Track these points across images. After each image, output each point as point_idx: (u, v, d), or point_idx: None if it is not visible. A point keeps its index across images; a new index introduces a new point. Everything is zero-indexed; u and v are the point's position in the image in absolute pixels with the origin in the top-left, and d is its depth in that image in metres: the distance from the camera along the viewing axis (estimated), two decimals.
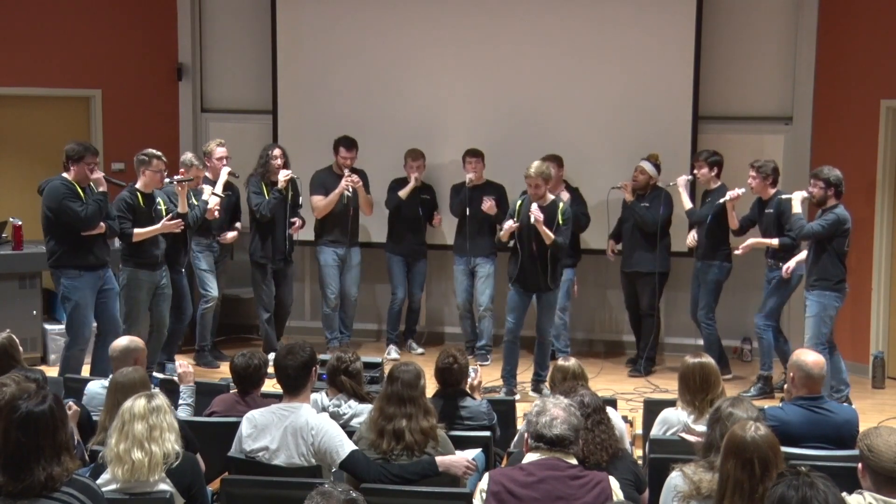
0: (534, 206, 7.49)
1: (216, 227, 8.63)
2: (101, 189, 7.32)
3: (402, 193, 8.98)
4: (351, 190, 8.84)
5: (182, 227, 7.82)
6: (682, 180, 8.44)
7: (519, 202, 7.68)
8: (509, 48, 9.26)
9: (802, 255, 7.74)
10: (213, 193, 8.33)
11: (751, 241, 7.93)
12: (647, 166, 8.58)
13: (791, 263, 7.74)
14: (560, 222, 7.56)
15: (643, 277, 8.59)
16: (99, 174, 7.35)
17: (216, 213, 8.40)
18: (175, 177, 7.99)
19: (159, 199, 7.80)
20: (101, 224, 7.37)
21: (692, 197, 8.50)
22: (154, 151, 7.78)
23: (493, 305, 8.89)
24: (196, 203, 8.17)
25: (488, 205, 8.56)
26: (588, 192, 8.89)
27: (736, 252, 8.07)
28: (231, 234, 8.80)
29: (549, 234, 7.46)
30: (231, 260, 9.01)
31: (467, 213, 8.77)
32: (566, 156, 8.76)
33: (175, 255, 8.06)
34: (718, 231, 8.21)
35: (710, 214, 8.19)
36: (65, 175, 7.28)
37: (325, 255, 8.96)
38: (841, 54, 8.70)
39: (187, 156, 8.40)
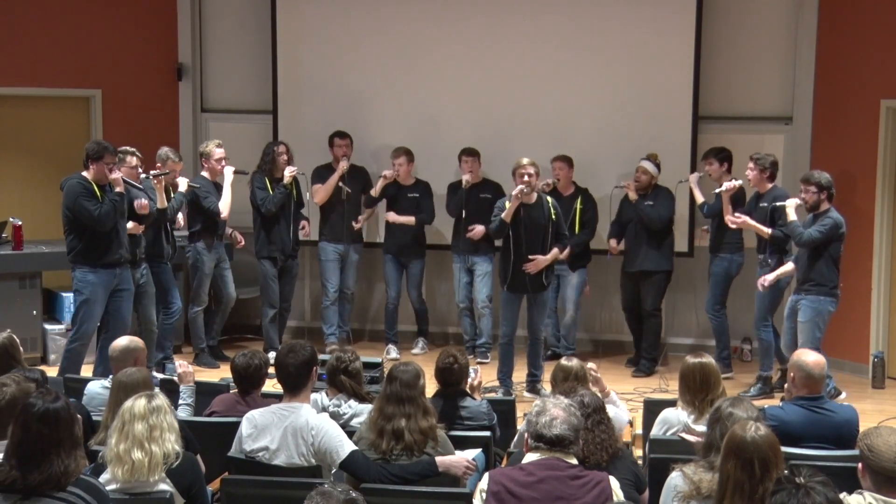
0: (532, 263, 7.54)
1: (222, 228, 8.63)
2: (117, 189, 7.30)
3: (374, 191, 8.99)
4: (350, 188, 8.91)
5: (142, 230, 7.75)
6: (695, 177, 8.49)
7: (507, 202, 7.61)
8: (509, 48, 9.26)
9: (786, 267, 7.72)
10: (190, 185, 8.30)
11: (745, 218, 7.88)
12: (649, 166, 8.59)
13: (770, 277, 7.71)
14: (553, 218, 7.59)
15: (648, 276, 8.61)
16: (117, 174, 7.32)
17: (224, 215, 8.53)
18: (151, 172, 7.95)
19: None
20: (132, 223, 7.43)
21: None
22: (128, 148, 7.84)
23: (492, 303, 8.90)
24: (173, 196, 8.15)
25: (475, 231, 8.57)
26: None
27: (727, 218, 8.01)
28: (241, 236, 8.82)
29: (556, 255, 7.65)
30: (231, 260, 9.01)
31: (464, 213, 8.77)
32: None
33: (158, 249, 8.08)
34: (727, 225, 8.21)
35: (721, 209, 8.19)
36: (83, 174, 7.27)
37: (326, 251, 9.06)
38: (841, 54, 8.70)
39: (163, 150, 8.31)
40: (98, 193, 7.23)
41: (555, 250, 7.65)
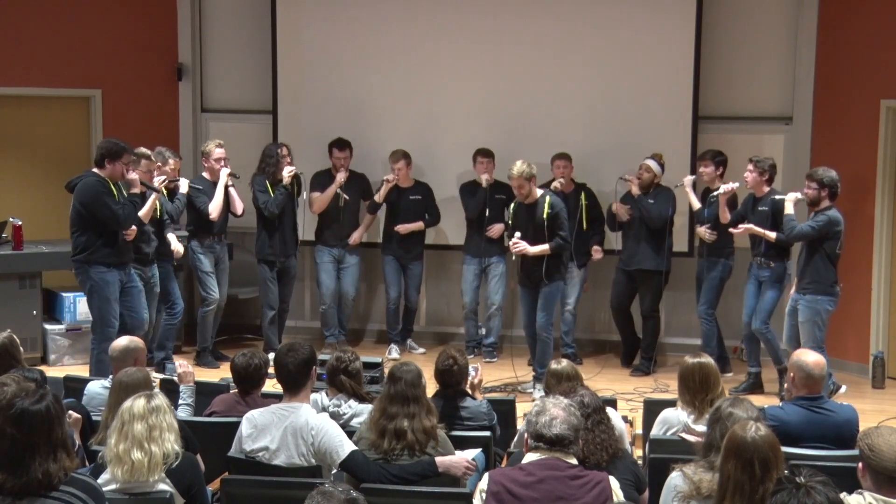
0: (514, 242, 7.67)
1: (217, 229, 8.63)
2: (134, 189, 7.27)
3: (378, 196, 8.97)
4: (348, 194, 8.91)
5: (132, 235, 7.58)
6: (689, 181, 8.44)
7: (512, 206, 7.83)
8: (509, 48, 9.25)
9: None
10: (191, 185, 8.31)
11: (749, 225, 7.85)
12: (653, 164, 8.58)
13: (793, 293, 7.68)
14: (545, 217, 7.61)
15: (647, 276, 8.59)
16: (134, 174, 7.29)
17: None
18: (160, 178, 7.93)
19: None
20: (134, 228, 7.35)
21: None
22: (144, 151, 7.84)
23: (504, 305, 8.96)
24: (176, 197, 8.19)
25: (493, 230, 8.72)
26: None
27: (733, 230, 7.99)
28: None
29: (544, 249, 7.65)
30: (230, 260, 9.01)
31: (487, 213, 8.78)
32: None
33: (161, 249, 8.07)
34: (724, 229, 8.19)
35: (718, 214, 8.17)
36: (96, 171, 7.16)
37: (322, 255, 9.10)
38: (841, 54, 8.70)
39: (157, 149, 8.26)
40: (115, 193, 7.19)
41: (544, 246, 7.66)
